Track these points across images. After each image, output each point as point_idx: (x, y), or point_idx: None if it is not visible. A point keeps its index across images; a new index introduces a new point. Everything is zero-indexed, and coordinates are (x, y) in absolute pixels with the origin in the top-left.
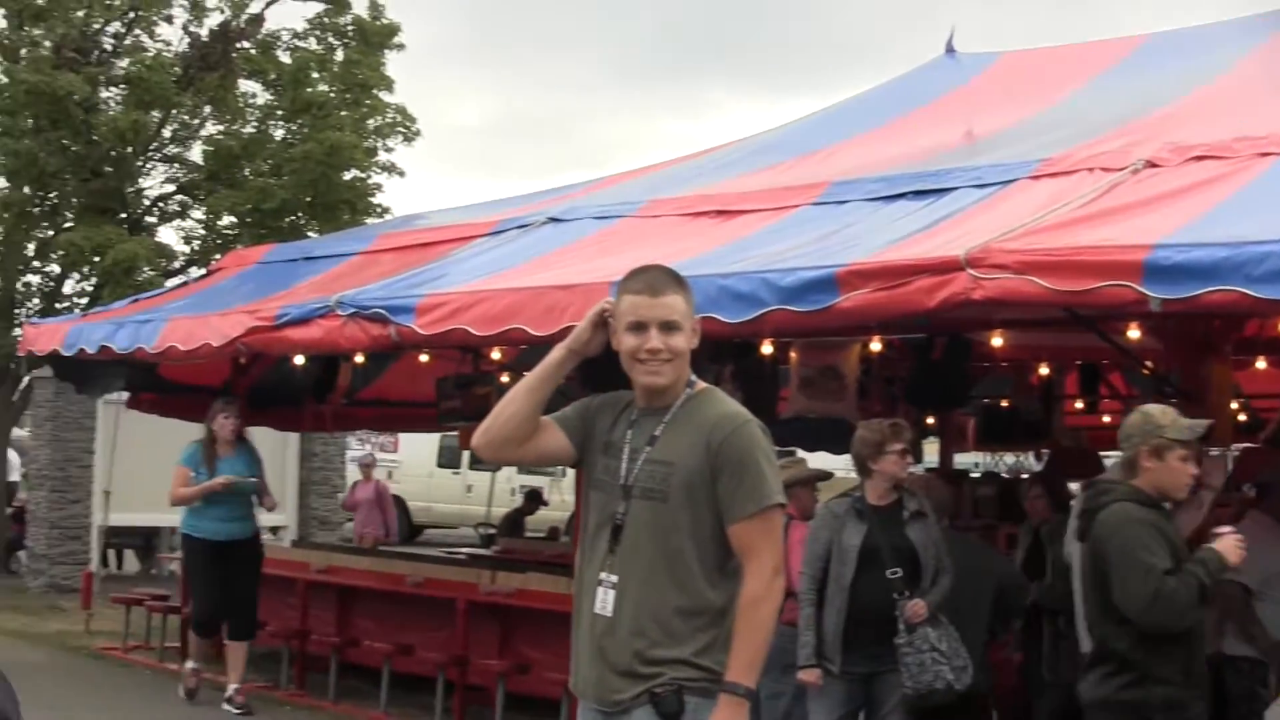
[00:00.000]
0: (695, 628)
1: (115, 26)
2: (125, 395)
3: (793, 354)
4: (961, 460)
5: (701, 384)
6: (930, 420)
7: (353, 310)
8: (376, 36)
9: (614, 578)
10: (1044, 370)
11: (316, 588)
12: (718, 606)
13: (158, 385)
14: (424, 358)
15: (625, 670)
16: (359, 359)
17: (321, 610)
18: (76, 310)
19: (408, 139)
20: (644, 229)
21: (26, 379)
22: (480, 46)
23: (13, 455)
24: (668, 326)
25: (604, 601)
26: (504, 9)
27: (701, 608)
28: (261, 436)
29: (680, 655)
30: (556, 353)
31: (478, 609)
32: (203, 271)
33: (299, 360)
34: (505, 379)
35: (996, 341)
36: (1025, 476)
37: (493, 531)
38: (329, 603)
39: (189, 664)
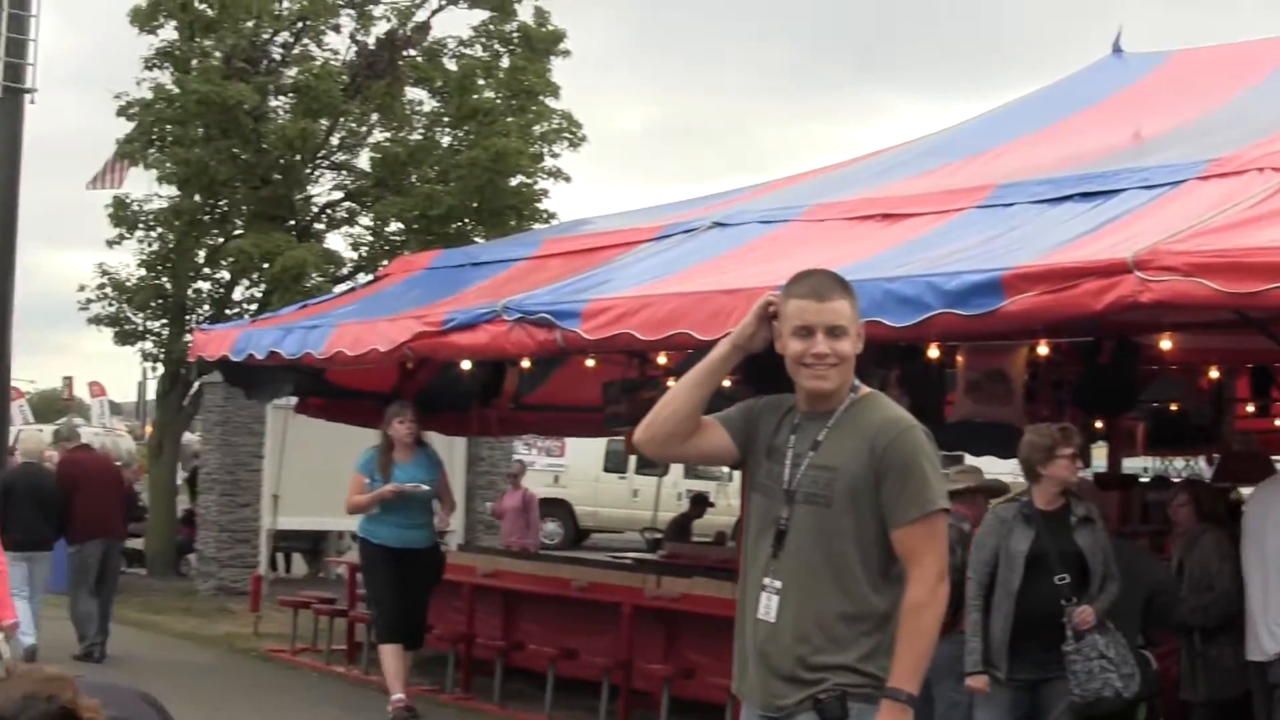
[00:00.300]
0: (859, 633)
1: (284, 36)
2: (293, 400)
3: (959, 358)
4: (1130, 465)
5: (865, 388)
6: (1098, 424)
7: (519, 315)
8: (542, 43)
9: (777, 583)
10: (1214, 373)
11: (482, 592)
12: (881, 612)
13: (325, 390)
14: (590, 362)
15: (788, 676)
16: (525, 364)
17: (487, 614)
18: (246, 316)
19: (573, 144)
20: (809, 233)
21: (197, 384)
22: (644, 52)
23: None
24: (834, 331)
25: (767, 607)
26: (668, 15)
27: (865, 613)
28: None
29: (844, 661)
30: (721, 348)
31: (643, 613)
32: (370, 277)
33: (466, 365)
34: (671, 383)
35: (1165, 344)
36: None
37: (659, 536)
38: (495, 607)
39: (396, 695)
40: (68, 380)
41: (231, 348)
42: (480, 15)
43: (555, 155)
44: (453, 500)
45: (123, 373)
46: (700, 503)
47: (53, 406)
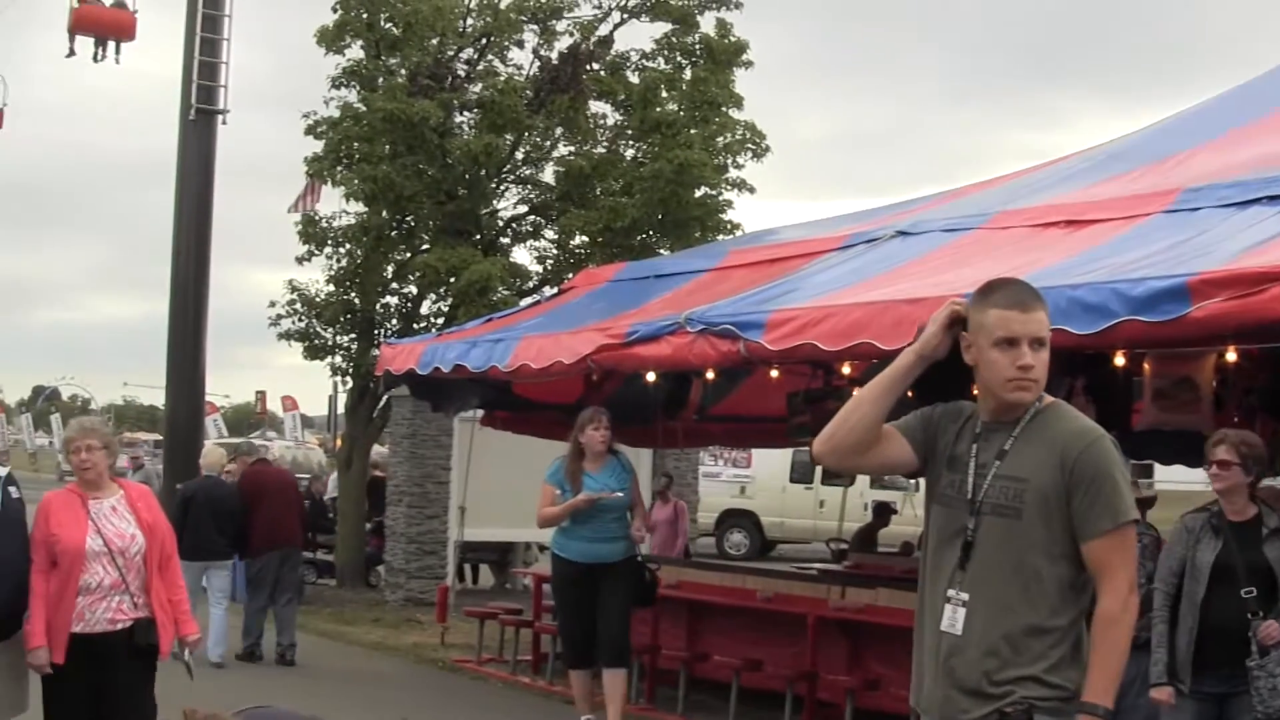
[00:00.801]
0: (1047, 645)
1: (468, 53)
2: (480, 413)
3: (1146, 365)
4: None
5: (1048, 397)
6: None
7: (702, 327)
8: (724, 54)
9: (964, 595)
10: None
11: (667, 603)
12: (1067, 624)
13: (511, 403)
14: (775, 373)
15: (973, 690)
16: (710, 375)
17: (672, 625)
18: (433, 330)
19: (757, 155)
20: (992, 241)
21: (385, 398)
22: (827, 60)
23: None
24: (1038, 342)
25: (952, 619)
26: (850, 24)
27: (1053, 626)
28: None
29: (1031, 673)
30: (905, 358)
31: (827, 624)
32: (555, 291)
33: (650, 377)
34: (855, 393)
35: None
36: None
37: (844, 546)
38: (679, 618)
39: (585, 718)
40: (261, 395)
41: (418, 362)
42: (662, 28)
43: (739, 166)
44: (648, 516)
45: (315, 387)
46: (884, 512)
47: (246, 420)
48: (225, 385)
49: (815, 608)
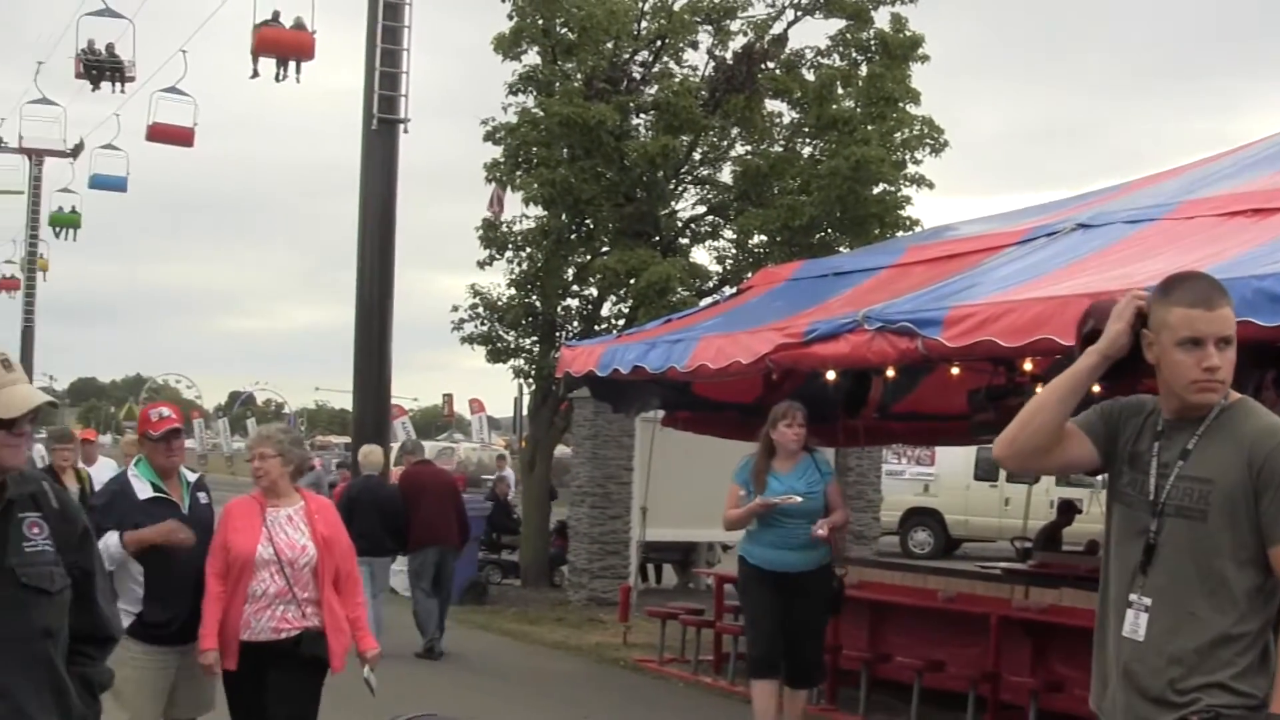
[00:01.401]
0: (1234, 652)
1: (643, 55)
2: (660, 413)
3: None
4: None
5: (1234, 394)
6: None
7: (880, 324)
8: (900, 49)
9: (1146, 600)
10: None
11: (849, 603)
12: (1254, 630)
13: (692, 403)
14: (955, 370)
15: (1157, 698)
16: (890, 373)
17: (854, 625)
18: (613, 332)
19: (935, 150)
20: (1176, 232)
21: (567, 399)
22: (1003, 52)
23: None
24: (1224, 341)
25: (1134, 625)
26: (1025, 13)
27: (1240, 633)
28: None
29: (1217, 680)
30: (1089, 358)
31: (1010, 624)
32: (733, 290)
33: (830, 375)
34: (1039, 390)
35: None
36: None
37: (1028, 545)
38: (861, 618)
39: None
40: (448, 397)
41: (597, 363)
42: (837, 24)
43: (917, 162)
44: (844, 514)
45: (501, 389)
46: (1069, 510)
47: (434, 423)
48: (413, 388)
49: (998, 608)
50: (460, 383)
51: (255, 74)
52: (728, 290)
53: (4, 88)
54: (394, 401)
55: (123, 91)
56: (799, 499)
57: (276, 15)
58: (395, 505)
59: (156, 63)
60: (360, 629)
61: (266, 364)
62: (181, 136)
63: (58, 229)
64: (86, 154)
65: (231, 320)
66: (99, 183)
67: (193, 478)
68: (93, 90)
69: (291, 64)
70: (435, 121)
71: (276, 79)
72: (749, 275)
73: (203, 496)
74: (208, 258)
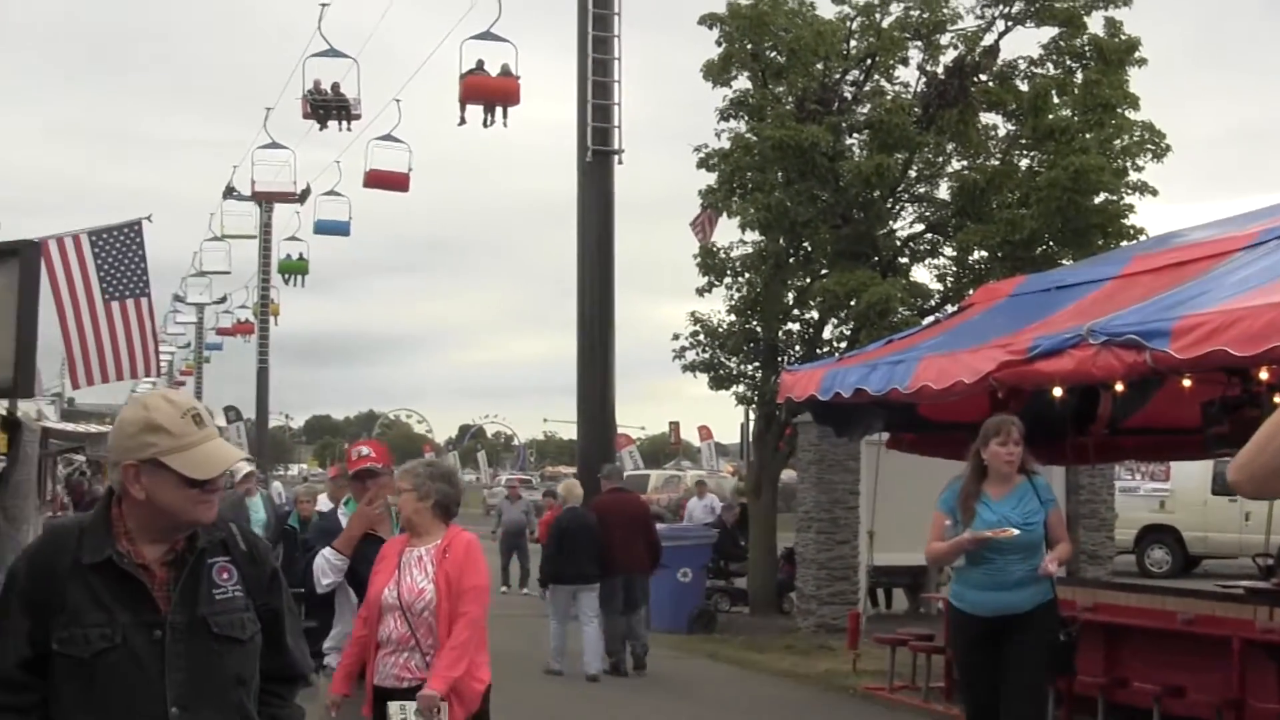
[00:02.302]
0: None
1: (853, 74)
2: (885, 435)
3: None
4: None
5: None
6: None
7: (1104, 338)
8: (1115, 54)
9: None
10: None
11: (1083, 626)
12: None
13: (916, 424)
14: (1187, 382)
15: None
16: (1119, 387)
17: (1089, 649)
18: (835, 355)
19: (1157, 156)
20: None
21: (791, 424)
22: (1223, 51)
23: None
24: None
25: None
26: (1249, 8)
27: None
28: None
29: None
30: None
31: (1254, 648)
32: (954, 308)
33: (1057, 392)
34: (1278, 400)
35: None
36: None
37: (1271, 562)
38: (1096, 641)
39: None
40: (674, 425)
41: (818, 387)
42: (1049, 32)
43: (1139, 168)
44: (1068, 548)
45: (729, 415)
46: None
47: (662, 451)
48: (639, 417)
49: (1241, 629)
50: (687, 410)
51: (463, 121)
52: (949, 309)
53: (236, 136)
54: (621, 430)
55: (349, 129)
56: (1015, 531)
57: (480, 64)
58: (597, 534)
59: (372, 107)
60: (439, 670)
61: (495, 397)
62: (397, 182)
63: (287, 275)
64: (310, 200)
65: (459, 354)
66: (323, 228)
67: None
68: (320, 129)
69: (498, 109)
70: (648, 148)
71: (484, 125)
72: (970, 292)
73: None
74: (431, 295)
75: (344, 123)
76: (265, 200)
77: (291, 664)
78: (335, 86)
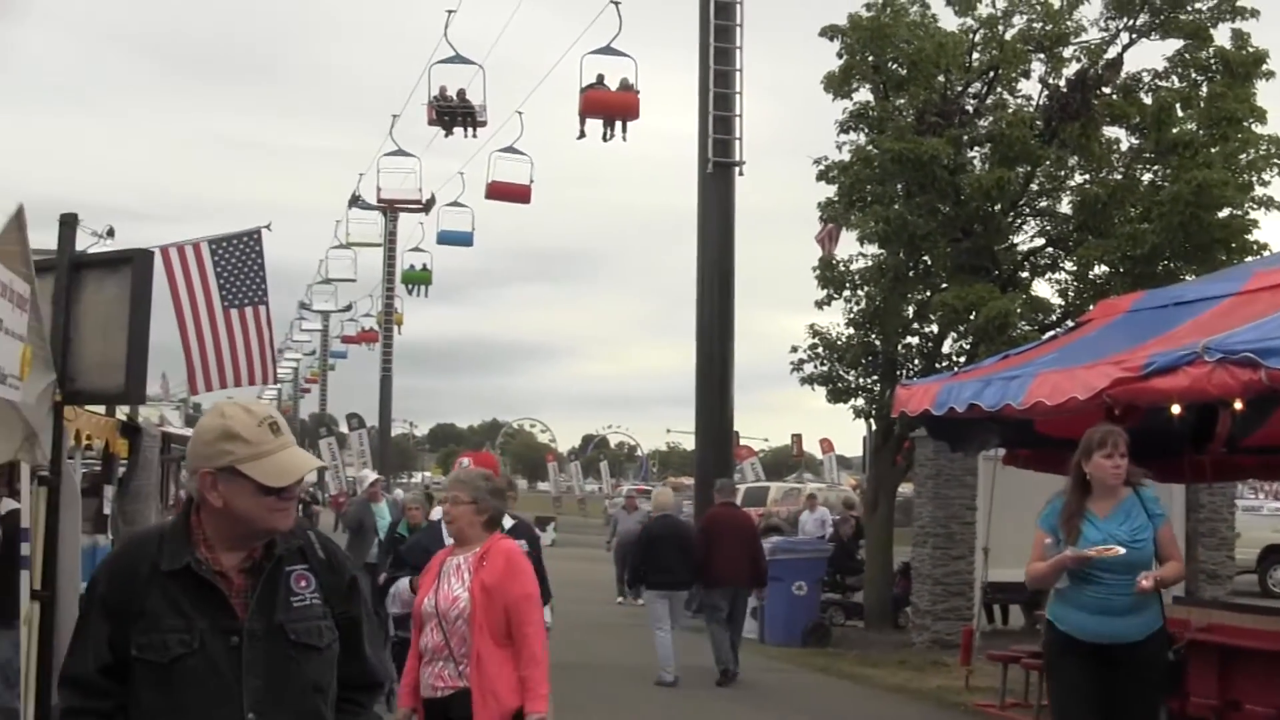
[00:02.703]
0: None
1: (975, 87)
2: (1002, 451)
3: None
4: None
5: None
6: None
7: (1220, 355)
8: (1242, 66)
9: None
10: None
11: (1196, 647)
12: None
13: (1033, 440)
14: None
15: None
16: (1238, 405)
17: (1202, 670)
18: (954, 369)
19: None
20: None
21: (909, 438)
22: None
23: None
24: None
25: None
26: None
27: None
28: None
29: None
30: None
31: None
32: (1072, 324)
33: (1175, 409)
34: None
35: None
36: None
37: None
38: (1209, 662)
39: None
40: (796, 438)
41: (933, 402)
42: (1174, 45)
43: (1265, 183)
44: (1179, 567)
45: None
46: None
47: (785, 463)
48: (761, 428)
49: None
50: (809, 422)
51: (582, 134)
52: (1070, 324)
53: (363, 145)
54: (744, 442)
55: (474, 136)
56: (1121, 550)
57: (600, 78)
58: (689, 541)
59: (495, 118)
60: (530, 688)
61: (618, 407)
62: (519, 194)
63: (410, 286)
64: (434, 210)
65: (582, 365)
66: (447, 238)
67: (509, 524)
68: (445, 135)
69: (618, 123)
70: (768, 160)
71: (604, 139)
72: (1091, 307)
73: (524, 545)
74: (559, 306)
75: (469, 129)
76: (391, 207)
77: (370, 671)
78: (461, 93)
